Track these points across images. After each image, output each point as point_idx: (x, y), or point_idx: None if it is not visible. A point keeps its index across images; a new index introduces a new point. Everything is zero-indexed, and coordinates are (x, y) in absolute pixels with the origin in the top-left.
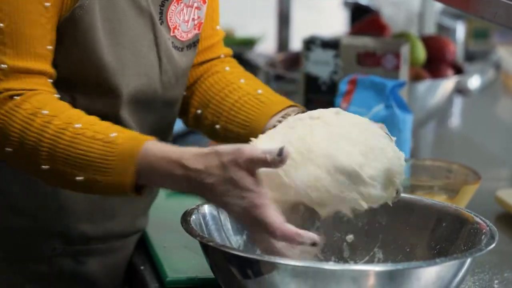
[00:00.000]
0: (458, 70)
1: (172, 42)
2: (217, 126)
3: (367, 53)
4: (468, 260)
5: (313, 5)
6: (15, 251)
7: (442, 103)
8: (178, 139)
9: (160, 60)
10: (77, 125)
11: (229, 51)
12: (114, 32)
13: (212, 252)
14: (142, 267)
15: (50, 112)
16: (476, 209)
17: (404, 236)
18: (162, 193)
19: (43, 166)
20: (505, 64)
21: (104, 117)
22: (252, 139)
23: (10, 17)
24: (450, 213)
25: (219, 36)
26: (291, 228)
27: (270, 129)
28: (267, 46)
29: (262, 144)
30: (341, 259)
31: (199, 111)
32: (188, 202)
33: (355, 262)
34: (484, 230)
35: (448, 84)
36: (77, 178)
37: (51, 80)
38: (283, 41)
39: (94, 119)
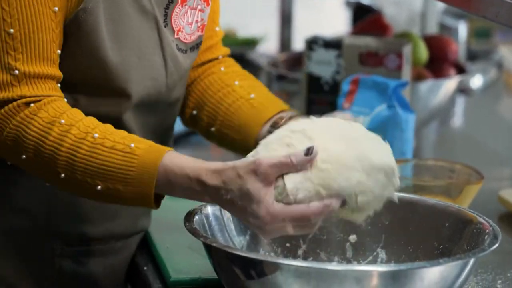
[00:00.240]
0: (460, 70)
1: (177, 45)
2: (212, 129)
3: (370, 53)
4: (471, 260)
5: (315, 5)
6: (16, 252)
7: (445, 103)
8: (180, 139)
9: (165, 63)
10: (95, 135)
11: (227, 51)
12: (118, 34)
13: (215, 252)
14: (145, 268)
15: (67, 121)
16: (479, 209)
17: (407, 236)
18: None
19: (62, 175)
20: (507, 63)
21: (106, 119)
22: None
23: (20, 23)
24: (453, 213)
25: (218, 37)
26: (318, 204)
27: (263, 136)
28: (269, 46)
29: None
30: (344, 259)
31: (194, 112)
32: (191, 202)
33: (358, 263)
34: (487, 230)
35: (450, 83)
36: (98, 187)
37: (59, 84)
38: (285, 41)
39: (109, 127)
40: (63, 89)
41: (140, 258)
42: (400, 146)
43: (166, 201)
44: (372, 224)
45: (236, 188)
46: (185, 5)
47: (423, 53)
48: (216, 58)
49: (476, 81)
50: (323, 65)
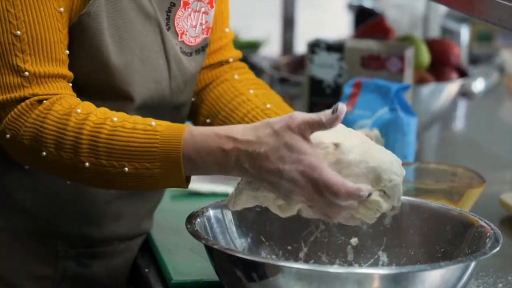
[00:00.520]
0: (462, 73)
1: (180, 48)
2: None
3: (372, 56)
4: (473, 264)
5: (318, 8)
6: (19, 253)
7: (446, 106)
8: None
9: (169, 66)
10: (114, 118)
11: (238, 54)
12: (121, 38)
13: (217, 255)
14: (146, 270)
15: (82, 110)
16: (481, 213)
17: (408, 239)
18: (167, 196)
19: (86, 164)
20: (509, 67)
21: None
22: None
23: (27, 24)
24: (454, 216)
25: (228, 38)
26: (352, 185)
27: None
28: (271, 49)
29: None
30: (345, 262)
31: (208, 121)
32: (193, 205)
33: (360, 265)
34: (488, 234)
35: (452, 87)
36: (125, 169)
37: (70, 84)
38: (287, 44)
39: (125, 114)
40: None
41: (142, 260)
42: (402, 149)
43: (168, 203)
44: (373, 227)
45: (273, 141)
46: (188, 8)
47: (425, 56)
48: (227, 61)
49: (478, 85)
50: (325, 68)
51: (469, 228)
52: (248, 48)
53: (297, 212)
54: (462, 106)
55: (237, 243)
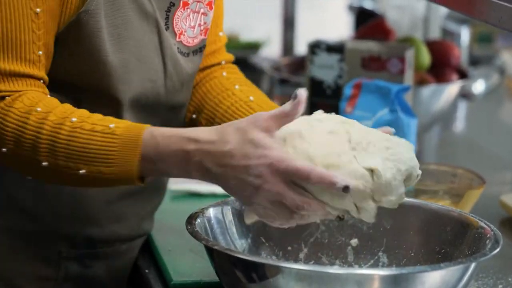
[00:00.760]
0: (463, 75)
1: (178, 48)
2: None
3: (372, 57)
4: (473, 265)
5: (318, 9)
6: (20, 254)
7: (447, 108)
8: None
9: (165, 66)
10: (73, 119)
11: (230, 57)
12: (119, 37)
13: (217, 255)
14: (147, 271)
15: (43, 109)
16: (481, 214)
17: (408, 240)
18: (167, 197)
19: (44, 163)
20: (509, 69)
21: None
22: None
23: None
24: (454, 217)
25: (221, 42)
26: (324, 170)
27: None
28: (271, 50)
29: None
30: (345, 263)
31: (194, 116)
32: (193, 205)
33: (360, 266)
34: (488, 235)
35: (452, 88)
36: (80, 171)
37: (43, 83)
38: (287, 45)
39: (86, 111)
40: (65, 91)
41: (142, 261)
42: None
43: (168, 204)
44: (374, 228)
45: (237, 138)
46: (187, 8)
47: (426, 57)
48: (219, 63)
49: (478, 86)
50: (325, 69)
51: (469, 229)
52: (248, 49)
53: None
54: (462, 108)
55: (237, 244)
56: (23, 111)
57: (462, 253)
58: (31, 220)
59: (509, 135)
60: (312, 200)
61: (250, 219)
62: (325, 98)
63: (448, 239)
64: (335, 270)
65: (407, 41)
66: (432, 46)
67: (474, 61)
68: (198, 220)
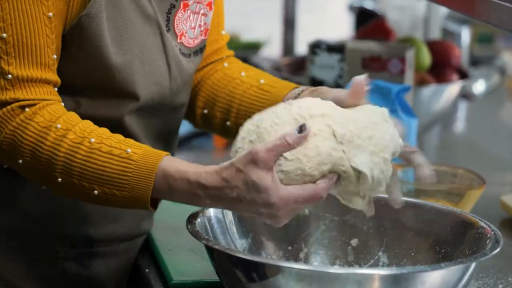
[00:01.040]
0: (463, 75)
1: (180, 49)
2: (228, 123)
3: (372, 57)
4: (473, 265)
5: (319, 9)
6: (19, 254)
7: (447, 108)
8: (183, 143)
9: (169, 68)
10: (92, 140)
11: (230, 53)
12: (121, 40)
13: (217, 255)
14: (147, 270)
15: (63, 125)
16: (481, 214)
17: (408, 240)
18: None
19: (59, 179)
20: (509, 69)
21: (106, 121)
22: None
23: (14, 27)
24: (454, 217)
25: (224, 40)
26: (323, 182)
27: None
28: (272, 50)
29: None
30: (345, 263)
31: (205, 111)
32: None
33: (360, 266)
34: (488, 235)
35: (453, 88)
36: (94, 192)
37: (56, 88)
38: (288, 45)
39: (106, 131)
40: (65, 92)
41: (142, 261)
42: None
43: (168, 203)
44: (374, 228)
45: (240, 183)
46: (187, 9)
47: (426, 58)
48: (220, 59)
49: (479, 87)
50: (326, 69)
51: (470, 229)
52: (249, 49)
53: None
54: (462, 108)
55: (238, 244)
56: (42, 125)
57: (463, 253)
58: (29, 220)
59: (509, 136)
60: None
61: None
62: None
63: (448, 239)
64: (335, 270)
65: (408, 41)
66: (433, 46)
67: (475, 62)
68: (199, 219)
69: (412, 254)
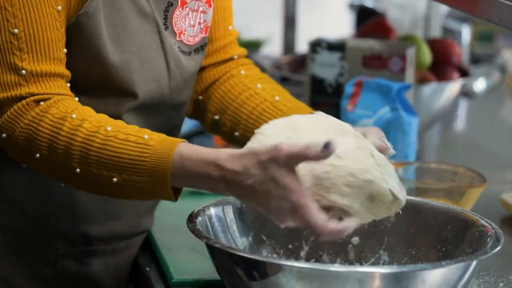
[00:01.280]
0: (464, 73)
1: (179, 47)
2: (236, 134)
3: (373, 55)
4: (474, 263)
5: (319, 7)
6: (18, 252)
7: (448, 106)
8: None
9: (168, 66)
10: (108, 128)
11: (243, 51)
12: (119, 38)
13: (218, 253)
14: (147, 269)
15: (78, 116)
16: (481, 212)
17: (409, 238)
18: None
19: (77, 170)
20: (510, 67)
21: None
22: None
23: (25, 22)
24: (455, 215)
25: (232, 36)
26: (335, 226)
27: None
28: (273, 48)
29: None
30: (346, 261)
31: (216, 117)
32: (194, 203)
33: (361, 264)
34: (489, 233)
35: (453, 87)
36: (113, 179)
37: (68, 83)
38: (289, 43)
39: (121, 122)
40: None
41: (143, 259)
42: (403, 148)
43: (169, 202)
44: (375, 226)
45: (259, 173)
46: (185, 7)
47: (427, 56)
48: (231, 58)
49: (479, 85)
50: (326, 68)
51: (470, 228)
52: (249, 48)
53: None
54: (463, 106)
55: (238, 242)
56: (57, 117)
57: (463, 251)
58: (29, 218)
59: (510, 134)
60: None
61: None
62: (326, 97)
63: (449, 237)
64: (336, 268)
65: (408, 40)
66: (433, 44)
67: (475, 60)
68: (199, 218)
69: (413, 252)
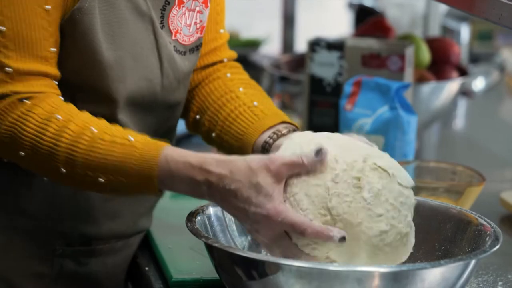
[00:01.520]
0: (463, 72)
1: (174, 46)
2: (213, 134)
3: (372, 54)
4: (473, 262)
5: (318, 6)
6: (16, 251)
7: (447, 105)
8: (182, 141)
9: (161, 64)
10: (93, 129)
11: (233, 54)
12: (113, 35)
13: (217, 253)
14: (146, 268)
15: (63, 116)
16: (480, 211)
17: None
18: (166, 194)
19: (62, 170)
20: (509, 66)
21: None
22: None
23: (11, 21)
24: (454, 214)
25: (223, 39)
26: (320, 225)
27: (260, 145)
28: (272, 48)
29: None
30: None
31: (197, 117)
32: (193, 203)
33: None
34: (488, 232)
35: (452, 86)
36: (100, 179)
37: (56, 82)
38: (287, 43)
39: (105, 122)
40: (60, 89)
41: (142, 259)
42: (402, 147)
43: (168, 201)
44: None
45: (245, 179)
46: (182, 6)
47: (426, 55)
48: (221, 61)
49: (478, 84)
50: (325, 67)
51: (469, 226)
52: (248, 47)
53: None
54: (462, 105)
55: (237, 241)
56: (43, 117)
57: (462, 250)
58: (27, 218)
59: (509, 132)
60: (300, 252)
61: None
62: (325, 96)
63: (448, 236)
64: (335, 267)
65: (407, 39)
66: (432, 43)
67: (474, 59)
68: (198, 217)
69: (412, 251)
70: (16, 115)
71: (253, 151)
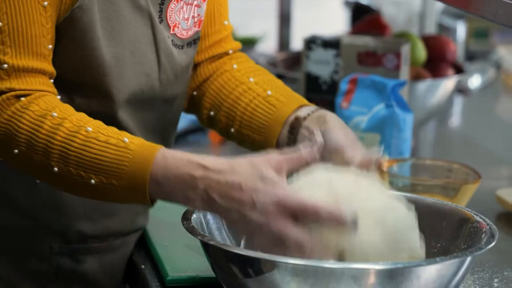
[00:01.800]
0: (459, 70)
1: (172, 40)
2: (232, 130)
3: (368, 52)
4: (468, 259)
5: (314, 4)
6: (13, 250)
7: (443, 103)
8: (179, 138)
9: (159, 59)
10: (89, 128)
11: (237, 45)
12: (113, 31)
13: (213, 251)
14: (142, 266)
15: (59, 114)
16: (476, 208)
17: None
18: None
19: (55, 169)
20: (505, 64)
21: (100, 116)
22: None
23: (9, 17)
24: (450, 212)
25: (227, 30)
26: (332, 205)
27: (285, 135)
28: (268, 46)
29: None
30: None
31: (212, 113)
32: None
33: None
34: (484, 229)
35: (448, 83)
36: (91, 181)
37: (52, 80)
38: (283, 41)
39: (101, 123)
40: (59, 87)
41: (138, 257)
42: (398, 145)
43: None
44: None
45: (248, 171)
46: (180, 0)
47: (422, 53)
48: (227, 53)
49: (474, 81)
50: (321, 65)
51: (465, 224)
52: (244, 45)
53: None
54: (458, 103)
55: (233, 239)
56: (38, 114)
57: (458, 247)
58: (23, 216)
59: (505, 130)
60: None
61: None
62: (321, 94)
63: (443, 233)
64: (330, 264)
65: (403, 37)
66: (428, 41)
67: (470, 56)
68: (194, 215)
69: None
70: (11, 112)
71: (278, 142)
